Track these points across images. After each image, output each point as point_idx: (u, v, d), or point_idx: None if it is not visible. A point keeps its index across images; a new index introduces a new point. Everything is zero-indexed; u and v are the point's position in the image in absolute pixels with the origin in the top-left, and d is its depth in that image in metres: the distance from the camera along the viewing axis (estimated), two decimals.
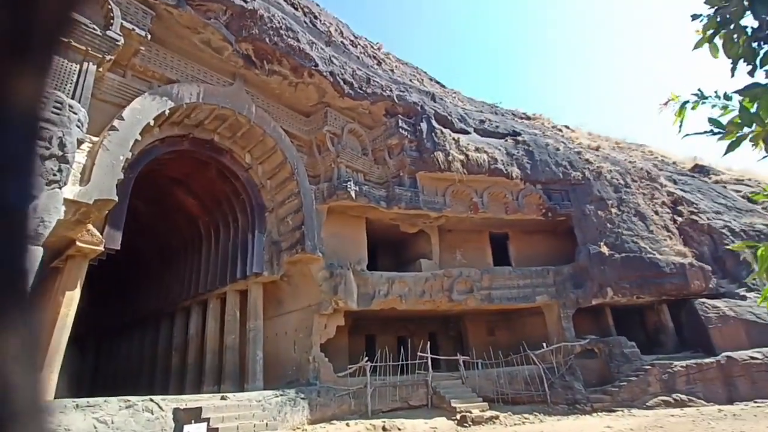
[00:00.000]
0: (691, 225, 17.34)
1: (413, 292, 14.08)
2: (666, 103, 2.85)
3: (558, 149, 17.13)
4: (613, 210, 16.23)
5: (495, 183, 15.73)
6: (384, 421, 10.78)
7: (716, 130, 2.38)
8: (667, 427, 9.04)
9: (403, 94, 15.31)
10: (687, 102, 2.82)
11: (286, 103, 13.60)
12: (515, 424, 11.16)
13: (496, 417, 11.63)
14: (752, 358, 12.80)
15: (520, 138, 16.83)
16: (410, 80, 16.91)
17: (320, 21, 14.13)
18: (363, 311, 13.50)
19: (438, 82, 20.05)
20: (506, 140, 16.64)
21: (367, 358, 12.67)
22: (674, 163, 23.15)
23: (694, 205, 18.29)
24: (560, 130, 20.31)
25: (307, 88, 13.17)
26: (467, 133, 16.28)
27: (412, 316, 15.87)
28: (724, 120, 2.64)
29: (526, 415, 11.76)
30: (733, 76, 2.38)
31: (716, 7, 2.53)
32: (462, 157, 15.08)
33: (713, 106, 2.67)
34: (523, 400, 13.32)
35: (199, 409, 8.31)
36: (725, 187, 21.05)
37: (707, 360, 13.06)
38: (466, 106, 18.49)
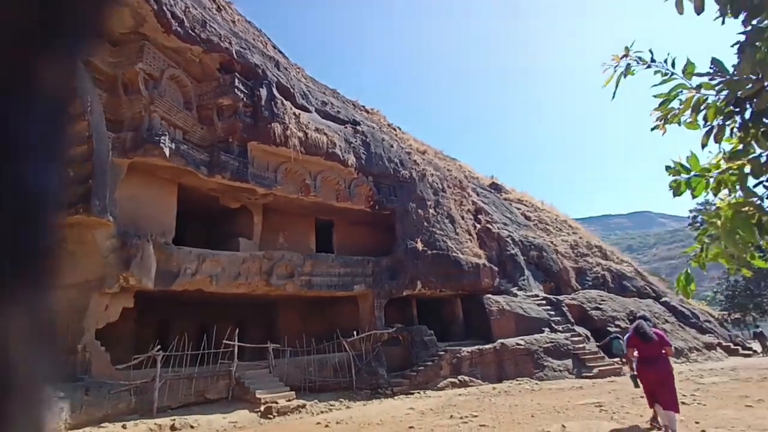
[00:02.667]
0: (486, 232, 20.20)
1: (227, 273, 12.60)
2: (620, 59, 2.75)
3: (392, 146, 17.80)
4: (431, 210, 17.68)
5: (330, 168, 15.35)
6: (174, 420, 9.19)
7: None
8: (459, 405, 10.00)
9: (244, 51, 13.60)
10: (629, 65, 2.78)
11: None
12: (322, 412, 10.91)
13: (303, 406, 11.21)
14: (518, 344, 15.47)
15: (359, 128, 16.87)
16: (253, 40, 15.22)
17: None
18: (159, 292, 11.41)
19: (282, 53, 18.68)
20: (346, 127, 16.46)
21: (159, 347, 10.73)
22: (476, 178, 26.82)
23: (490, 216, 21.40)
24: (394, 129, 21.29)
25: (121, 8, 10.41)
26: (308, 111, 15.50)
27: (219, 301, 14.29)
28: (666, 88, 2.67)
29: (332, 402, 11.65)
30: (723, 23, 2.31)
31: None
32: (301, 134, 14.22)
33: (656, 71, 2.66)
34: (330, 387, 13.26)
35: None
36: (511, 204, 25.37)
37: (487, 346, 15.24)
38: (310, 84, 17.69)
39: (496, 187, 26.87)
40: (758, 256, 2.46)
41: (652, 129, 2.97)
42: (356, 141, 16.25)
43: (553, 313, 17.66)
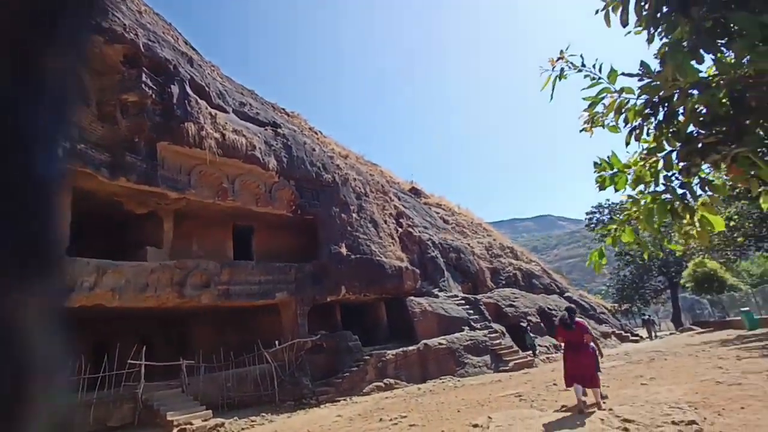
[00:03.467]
0: (408, 235, 20.66)
1: (133, 285, 11.41)
2: (554, 62, 2.87)
3: (314, 150, 17.50)
4: (354, 215, 17.65)
5: (250, 171, 14.65)
6: None
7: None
8: (386, 408, 9.99)
9: (153, 44, 12.52)
10: (563, 70, 2.92)
11: None
12: (242, 429, 10.28)
13: (221, 425, 10.48)
14: (440, 344, 15.96)
15: (280, 130, 16.35)
16: (162, 33, 14.09)
17: None
18: None
19: (194, 49, 17.55)
20: (266, 129, 15.86)
21: None
22: (397, 183, 27.41)
23: (411, 220, 21.95)
24: (315, 133, 21.00)
25: None
26: (225, 111, 14.68)
27: (121, 317, 12.91)
28: (593, 92, 2.83)
29: (253, 418, 11.04)
30: (650, 41, 2.50)
31: None
32: (218, 135, 13.40)
33: (585, 75, 2.82)
34: (251, 401, 12.57)
35: None
36: (430, 208, 26.28)
37: (411, 348, 15.51)
38: (226, 84, 16.81)
39: (415, 192, 27.67)
40: (677, 242, 2.75)
41: (581, 131, 3.21)
42: (277, 144, 15.73)
43: (471, 311, 18.53)
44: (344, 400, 12.67)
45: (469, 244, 24.07)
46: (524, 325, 18.98)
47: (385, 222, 19.71)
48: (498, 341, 17.42)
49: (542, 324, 19.91)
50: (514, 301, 20.27)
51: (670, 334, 25.79)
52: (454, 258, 21.97)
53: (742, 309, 19.86)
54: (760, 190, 2.54)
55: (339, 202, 17.42)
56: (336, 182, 17.71)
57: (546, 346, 18.68)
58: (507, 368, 15.88)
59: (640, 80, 2.50)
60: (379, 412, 9.46)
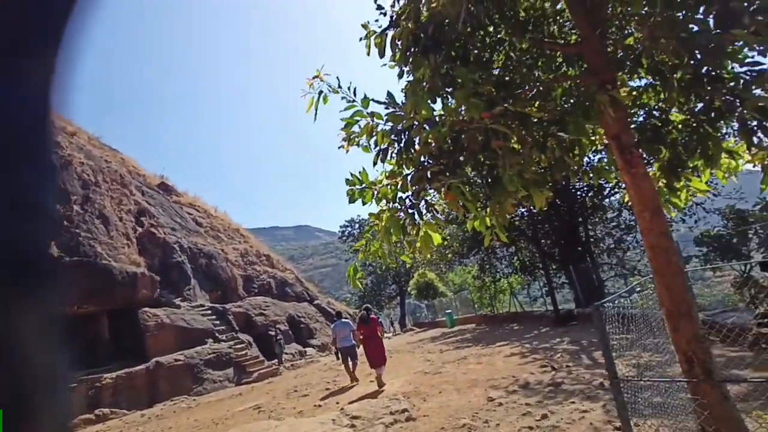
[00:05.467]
0: (150, 236, 17.97)
1: None
2: (311, 82, 2.68)
3: None
4: (77, 207, 14.19)
5: None
6: None
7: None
8: None
9: None
10: (321, 92, 2.78)
11: None
12: None
13: None
14: (176, 360, 14.26)
15: None
16: None
17: None
18: None
19: None
20: None
21: None
22: (143, 175, 23.75)
23: (156, 219, 19.21)
24: None
25: None
26: None
27: None
28: (349, 113, 2.79)
29: None
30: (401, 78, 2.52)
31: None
32: None
33: (342, 98, 2.75)
34: None
35: None
36: (182, 207, 23.69)
37: (138, 367, 13.32)
38: None
39: (165, 188, 24.51)
40: (408, 254, 3.08)
41: (339, 147, 3.33)
42: None
43: (218, 322, 17.37)
44: None
45: (223, 250, 22.73)
46: (273, 333, 19.00)
47: (121, 219, 16.61)
48: (244, 352, 16.83)
49: (291, 332, 20.38)
50: (265, 310, 20.09)
51: (396, 334, 30.44)
52: (204, 264, 20.29)
53: (446, 311, 25.28)
54: (467, 215, 3.13)
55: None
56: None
57: (292, 353, 19.16)
58: (250, 380, 15.45)
59: (386, 108, 2.72)
60: None
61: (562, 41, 3.69)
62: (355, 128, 3.10)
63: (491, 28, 3.16)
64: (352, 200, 3.12)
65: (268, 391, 11.70)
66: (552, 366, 7.50)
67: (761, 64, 2.91)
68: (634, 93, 3.67)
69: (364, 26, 2.83)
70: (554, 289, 15.82)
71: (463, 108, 2.42)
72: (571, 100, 3.08)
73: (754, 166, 3.84)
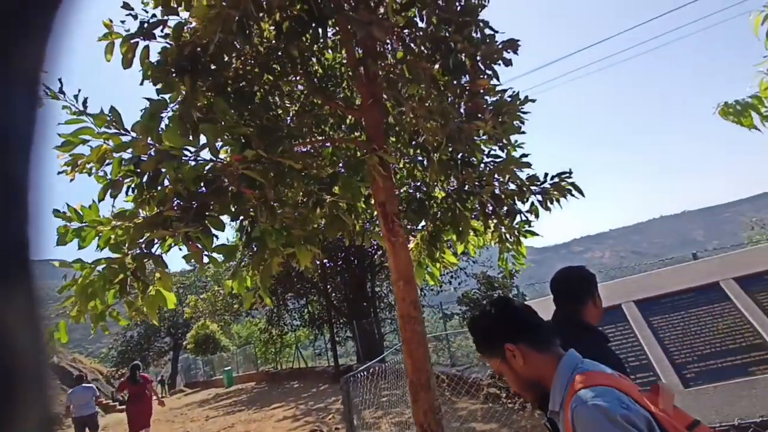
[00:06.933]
0: None
1: None
2: None
3: None
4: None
5: None
6: None
7: None
8: None
9: None
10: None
11: None
12: None
13: None
14: None
15: None
16: None
17: None
18: None
19: None
20: None
21: None
22: None
23: None
24: None
25: None
26: None
27: None
28: (70, 129, 1.95)
29: None
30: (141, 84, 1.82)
31: None
32: None
33: (64, 107, 1.93)
34: None
35: None
36: None
37: None
38: None
39: None
40: (124, 318, 2.38)
41: (59, 173, 2.50)
42: None
43: None
44: None
45: None
46: None
47: None
48: None
49: None
50: None
51: (162, 397, 25.95)
52: None
53: (225, 368, 22.72)
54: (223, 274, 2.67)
55: None
56: None
57: None
58: None
59: (108, 127, 2.14)
60: None
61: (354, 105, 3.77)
62: (83, 150, 2.37)
63: (277, 69, 2.96)
64: (62, 241, 2.31)
65: None
66: (321, 431, 7.27)
67: (500, 157, 3.45)
68: (408, 165, 3.96)
69: (107, 25, 2.24)
70: (337, 343, 16.08)
71: (219, 143, 2.05)
72: (343, 160, 3.07)
73: (493, 244, 4.51)
